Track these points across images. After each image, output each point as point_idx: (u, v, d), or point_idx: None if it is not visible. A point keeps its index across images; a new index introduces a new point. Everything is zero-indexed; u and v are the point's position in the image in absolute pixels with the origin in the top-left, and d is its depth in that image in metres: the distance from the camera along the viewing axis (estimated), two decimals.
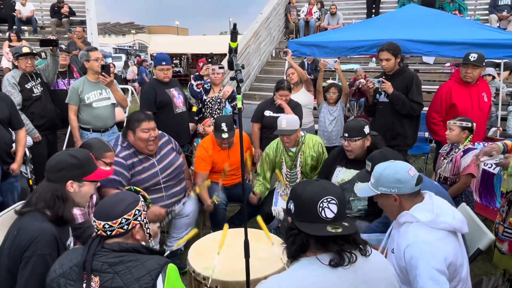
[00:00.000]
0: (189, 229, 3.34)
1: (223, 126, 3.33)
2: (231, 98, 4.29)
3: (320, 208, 1.32)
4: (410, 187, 1.77)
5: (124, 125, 3.04)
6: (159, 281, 1.41)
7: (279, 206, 3.40)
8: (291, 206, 1.38)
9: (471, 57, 3.71)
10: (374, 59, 8.91)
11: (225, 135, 3.32)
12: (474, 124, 3.27)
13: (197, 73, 4.38)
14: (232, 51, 1.90)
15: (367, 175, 2.13)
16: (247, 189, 3.41)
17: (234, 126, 3.43)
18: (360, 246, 1.34)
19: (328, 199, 1.32)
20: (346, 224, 1.33)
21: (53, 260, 1.64)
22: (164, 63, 3.93)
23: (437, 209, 1.73)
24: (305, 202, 1.34)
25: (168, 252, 3.14)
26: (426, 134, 5.87)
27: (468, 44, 4.33)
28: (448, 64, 8.23)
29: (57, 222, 1.74)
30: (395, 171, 1.79)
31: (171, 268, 1.46)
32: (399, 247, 1.73)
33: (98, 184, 2.08)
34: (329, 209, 1.32)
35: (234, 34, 1.88)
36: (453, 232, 1.74)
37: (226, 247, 2.39)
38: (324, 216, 1.32)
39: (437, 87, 7.12)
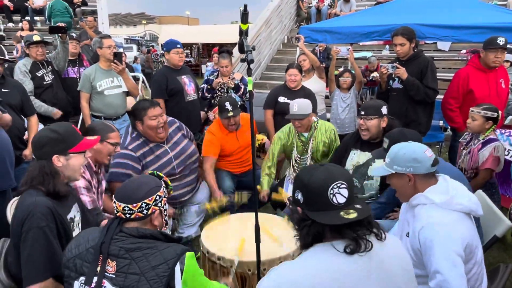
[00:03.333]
0: (201, 216, 3.35)
1: (227, 105, 3.29)
2: (236, 88, 4.24)
3: (331, 195, 1.27)
4: (426, 167, 1.73)
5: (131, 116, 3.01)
6: (177, 271, 1.39)
7: (290, 192, 3.37)
8: (299, 196, 1.33)
9: (499, 41, 3.57)
10: (387, 46, 8.74)
11: (230, 114, 3.28)
12: (500, 113, 3.09)
13: (209, 86, 4.32)
14: (243, 33, 1.87)
15: (383, 153, 2.09)
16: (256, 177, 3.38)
17: (239, 106, 3.43)
18: (375, 229, 1.30)
19: (338, 184, 1.27)
20: (358, 206, 1.29)
21: (51, 231, 1.67)
22: (178, 45, 3.91)
23: (452, 191, 1.70)
24: (314, 191, 1.29)
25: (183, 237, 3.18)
26: (441, 123, 5.77)
27: (486, 28, 4.20)
28: (463, 51, 8.03)
29: (53, 196, 1.76)
30: (412, 151, 1.75)
31: (189, 257, 1.43)
32: (413, 230, 1.70)
33: (89, 154, 2.07)
34: (340, 194, 1.27)
35: (244, 15, 1.85)
36: (468, 214, 1.71)
37: (240, 231, 2.43)
38: (336, 202, 1.27)
39: (453, 74, 6.98)
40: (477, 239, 1.70)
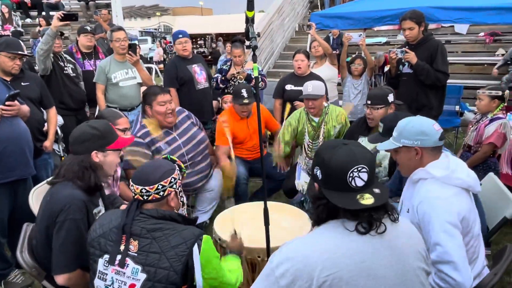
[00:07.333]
0: (214, 203, 3.43)
1: (243, 91, 3.35)
2: (248, 79, 4.27)
3: (350, 178, 1.25)
4: (434, 140, 1.74)
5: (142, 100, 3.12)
6: (195, 250, 1.47)
7: (302, 180, 3.41)
8: (318, 172, 1.31)
9: None
10: (402, 31, 8.57)
11: (245, 101, 3.34)
12: (507, 92, 3.14)
13: (223, 77, 4.32)
14: (249, 20, 1.91)
15: (379, 137, 2.12)
16: (267, 162, 3.43)
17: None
18: (390, 212, 1.29)
19: (359, 168, 1.25)
20: (377, 191, 1.27)
21: (84, 224, 1.75)
22: (180, 35, 3.98)
23: (453, 165, 1.72)
24: (333, 171, 1.27)
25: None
26: (457, 108, 5.69)
27: (503, 9, 4.08)
28: (482, 34, 7.80)
29: (87, 191, 1.83)
30: (420, 124, 1.77)
31: (206, 239, 1.52)
32: (412, 205, 1.72)
33: (122, 153, 2.16)
34: (359, 178, 1.25)
35: (250, 3, 1.88)
36: (466, 190, 1.72)
37: (250, 219, 2.48)
38: (354, 185, 1.25)
39: (471, 58, 6.80)
40: (474, 214, 1.72)
